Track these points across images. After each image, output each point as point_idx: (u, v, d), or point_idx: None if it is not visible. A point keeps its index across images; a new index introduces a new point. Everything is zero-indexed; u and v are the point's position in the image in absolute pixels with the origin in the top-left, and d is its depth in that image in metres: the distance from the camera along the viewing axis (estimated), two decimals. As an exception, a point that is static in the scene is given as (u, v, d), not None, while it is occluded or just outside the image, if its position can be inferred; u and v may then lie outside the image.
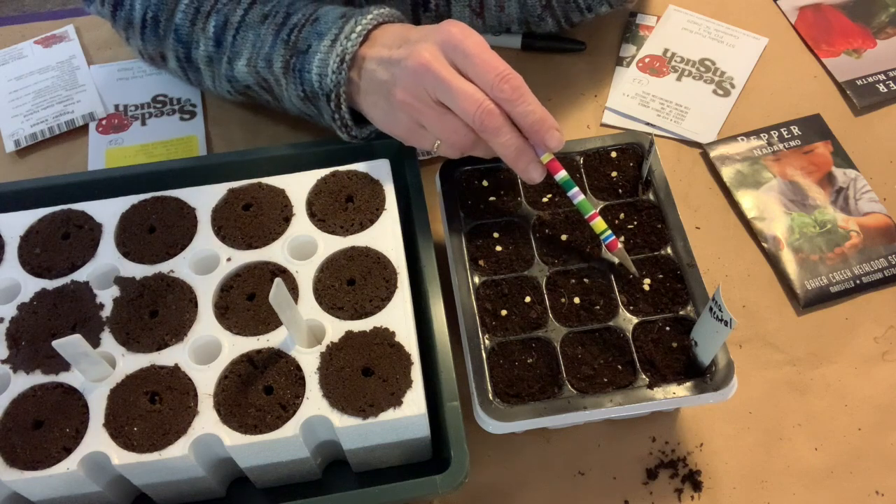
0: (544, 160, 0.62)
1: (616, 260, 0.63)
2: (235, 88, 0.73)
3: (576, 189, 0.63)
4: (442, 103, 0.61)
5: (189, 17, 0.71)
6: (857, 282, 0.72)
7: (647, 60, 0.86)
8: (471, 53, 0.59)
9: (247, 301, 0.61)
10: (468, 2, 0.81)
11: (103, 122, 0.83)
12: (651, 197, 0.67)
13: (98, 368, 0.57)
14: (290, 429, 0.55)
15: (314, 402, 0.56)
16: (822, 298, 0.71)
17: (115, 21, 0.75)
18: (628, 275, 0.63)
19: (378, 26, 0.65)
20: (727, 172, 0.78)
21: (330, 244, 0.63)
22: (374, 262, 0.62)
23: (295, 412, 0.56)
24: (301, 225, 0.64)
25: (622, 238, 0.65)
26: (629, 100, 0.83)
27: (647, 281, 0.63)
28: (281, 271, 0.62)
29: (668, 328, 0.61)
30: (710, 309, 0.54)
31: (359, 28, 0.64)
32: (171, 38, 0.72)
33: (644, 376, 0.59)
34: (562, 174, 0.63)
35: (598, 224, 0.63)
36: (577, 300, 0.62)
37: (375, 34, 0.65)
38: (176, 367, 0.58)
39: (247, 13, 0.69)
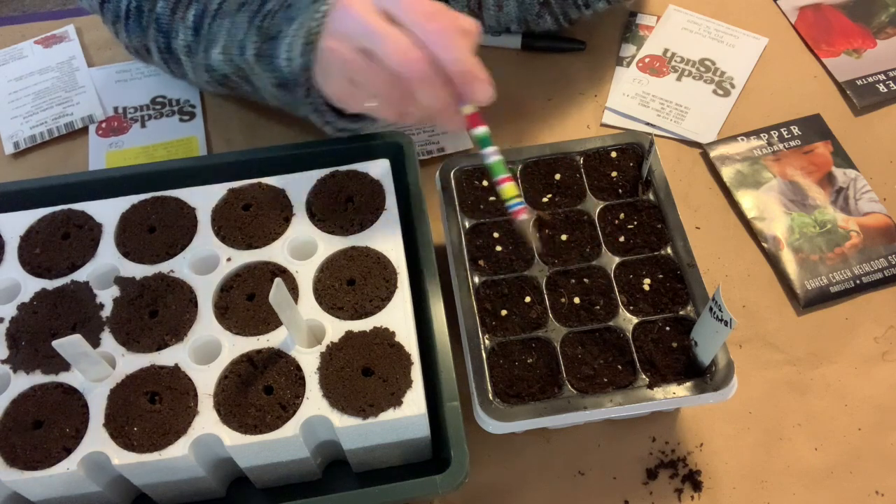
0: (465, 111, 0.58)
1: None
2: (214, 78, 0.72)
3: (493, 148, 0.60)
4: (369, 52, 0.57)
5: (170, 7, 0.70)
6: (857, 282, 0.72)
7: (647, 60, 0.86)
8: None
9: (247, 301, 0.61)
10: (466, 1, 0.80)
11: (103, 125, 0.83)
12: (651, 197, 0.67)
13: (98, 368, 0.57)
14: (290, 429, 0.55)
15: (314, 402, 0.56)
16: (822, 298, 0.71)
17: (103, 15, 0.75)
18: (628, 275, 0.63)
19: None
20: (727, 172, 0.78)
21: (330, 244, 0.63)
22: (374, 262, 0.62)
23: (295, 412, 0.56)
24: (301, 225, 0.64)
25: (622, 238, 0.65)
26: (629, 100, 0.83)
27: (647, 281, 0.63)
28: (281, 271, 0.62)
29: (668, 328, 0.61)
30: (710, 309, 0.54)
31: (324, 7, 0.61)
32: (153, 28, 0.72)
33: (644, 376, 0.59)
34: (482, 130, 0.59)
35: (509, 189, 0.59)
36: (577, 300, 0.62)
37: None
38: (176, 367, 0.58)
39: (225, 0, 0.68)
